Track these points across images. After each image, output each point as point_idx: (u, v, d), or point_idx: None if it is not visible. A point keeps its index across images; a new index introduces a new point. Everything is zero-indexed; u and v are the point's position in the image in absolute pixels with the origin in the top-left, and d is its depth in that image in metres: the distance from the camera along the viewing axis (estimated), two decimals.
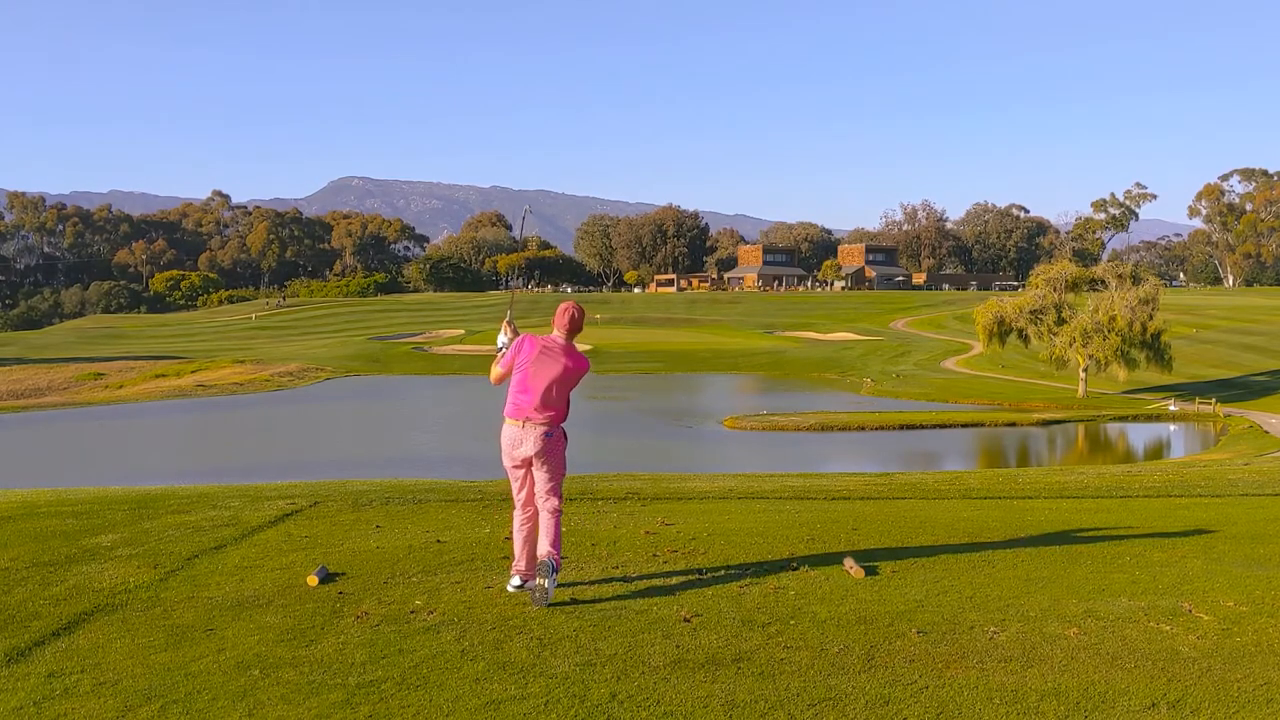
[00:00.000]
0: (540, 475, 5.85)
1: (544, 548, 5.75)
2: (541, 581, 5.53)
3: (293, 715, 3.98)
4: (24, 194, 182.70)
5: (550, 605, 5.50)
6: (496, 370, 6.01)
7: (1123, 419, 47.76)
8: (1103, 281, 57.51)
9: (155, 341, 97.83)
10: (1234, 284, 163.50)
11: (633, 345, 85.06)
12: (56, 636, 4.97)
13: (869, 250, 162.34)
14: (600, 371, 68.89)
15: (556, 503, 5.86)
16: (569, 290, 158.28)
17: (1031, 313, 56.86)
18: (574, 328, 5.88)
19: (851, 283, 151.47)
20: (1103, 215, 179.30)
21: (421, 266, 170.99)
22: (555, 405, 5.82)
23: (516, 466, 5.88)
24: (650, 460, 30.80)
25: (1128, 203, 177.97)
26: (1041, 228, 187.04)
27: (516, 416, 5.82)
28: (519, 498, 5.96)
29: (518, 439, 5.81)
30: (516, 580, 5.83)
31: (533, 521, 5.91)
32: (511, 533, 6.06)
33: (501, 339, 6.15)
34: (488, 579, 6.07)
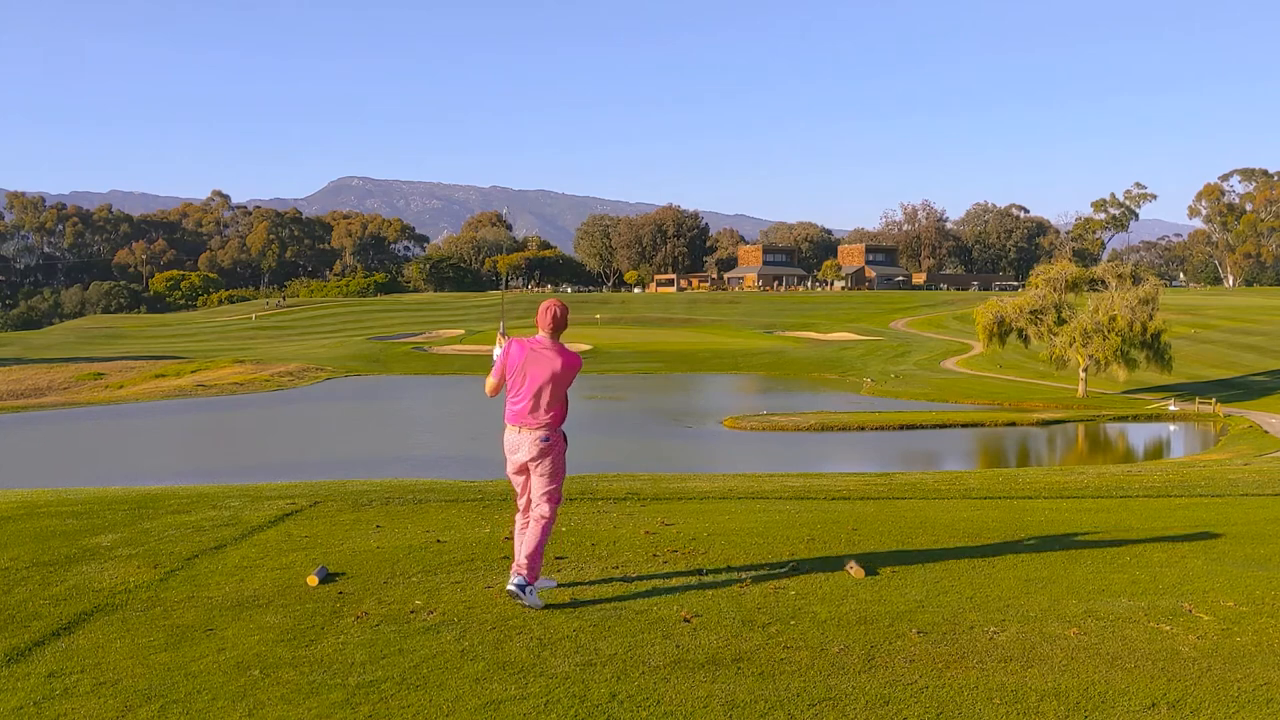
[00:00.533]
0: (538, 480, 5.76)
1: (519, 557, 5.61)
2: (519, 602, 5.43)
3: (293, 715, 3.98)
4: (24, 194, 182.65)
5: (550, 605, 5.50)
6: (490, 381, 5.87)
7: (1123, 419, 47.76)
8: (1103, 281, 57.52)
9: (155, 341, 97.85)
10: (1234, 284, 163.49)
11: (633, 345, 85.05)
12: (56, 636, 4.97)
13: (869, 250, 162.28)
14: (600, 371, 68.87)
15: (548, 510, 5.74)
16: (569, 290, 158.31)
17: (1031, 313, 56.87)
18: (557, 325, 5.77)
19: (851, 283, 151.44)
20: (1103, 215, 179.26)
21: (421, 266, 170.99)
22: (551, 408, 5.71)
23: (517, 472, 5.83)
24: (650, 460, 30.82)
25: (1128, 203, 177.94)
26: (1041, 228, 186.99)
27: (513, 423, 5.75)
28: (520, 502, 5.92)
29: (515, 445, 5.75)
30: (519, 580, 5.78)
31: None
32: (512, 533, 6.04)
33: (497, 350, 6.03)
34: (488, 579, 6.07)
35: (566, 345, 5.85)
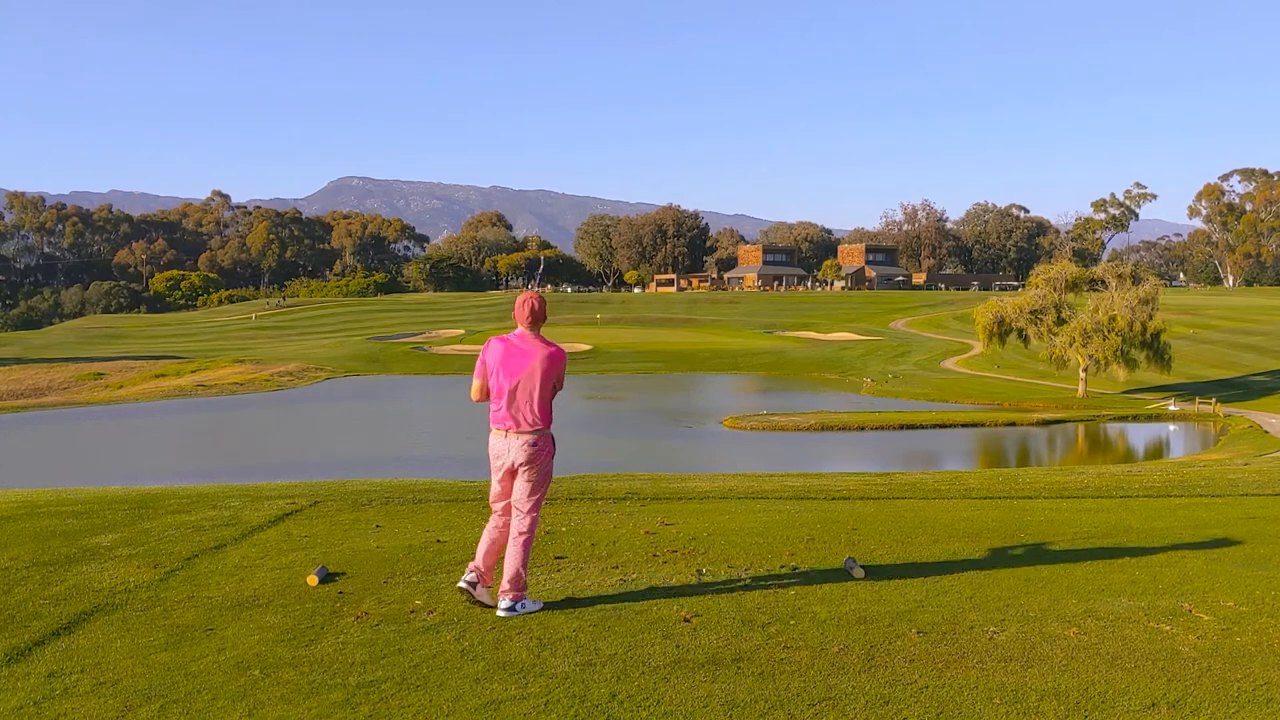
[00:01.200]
0: (523, 486, 5.50)
1: (508, 571, 5.39)
2: (502, 615, 5.30)
3: (293, 715, 3.98)
4: (24, 194, 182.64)
5: (550, 605, 5.50)
6: (475, 384, 5.61)
7: (1123, 419, 47.77)
8: (1103, 281, 57.54)
9: (155, 341, 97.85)
10: (1234, 284, 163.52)
11: (633, 345, 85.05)
12: (56, 636, 4.97)
13: (869, 250, 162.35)
14: (600, 371, 68.89)
15: (528, 524, 5.49)
16: (569, 290, 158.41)
17: (1031, 313, 56.88)
18: (536, 318, 5.53)
19: (851, 283, 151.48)
20: (1103, 215, 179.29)
21: (421, 266, 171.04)
22: (536, 407, 5.45)
23: (500, 479, 5.59)
24: (650, 460, 30.81)
25: (1128, 203, 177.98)
26: (1041, 228, 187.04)
27: (499, 426, 5.50)
28: (497, 507, 5.65)
29: (502, 449, 5.51)
30: (471, 577, 5.46)
31: (507, 530, 5.60)
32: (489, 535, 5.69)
33: None
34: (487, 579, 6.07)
35: (546, 338, 5.62)
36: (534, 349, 5.49)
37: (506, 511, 5.62)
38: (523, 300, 5.57)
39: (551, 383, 5.53)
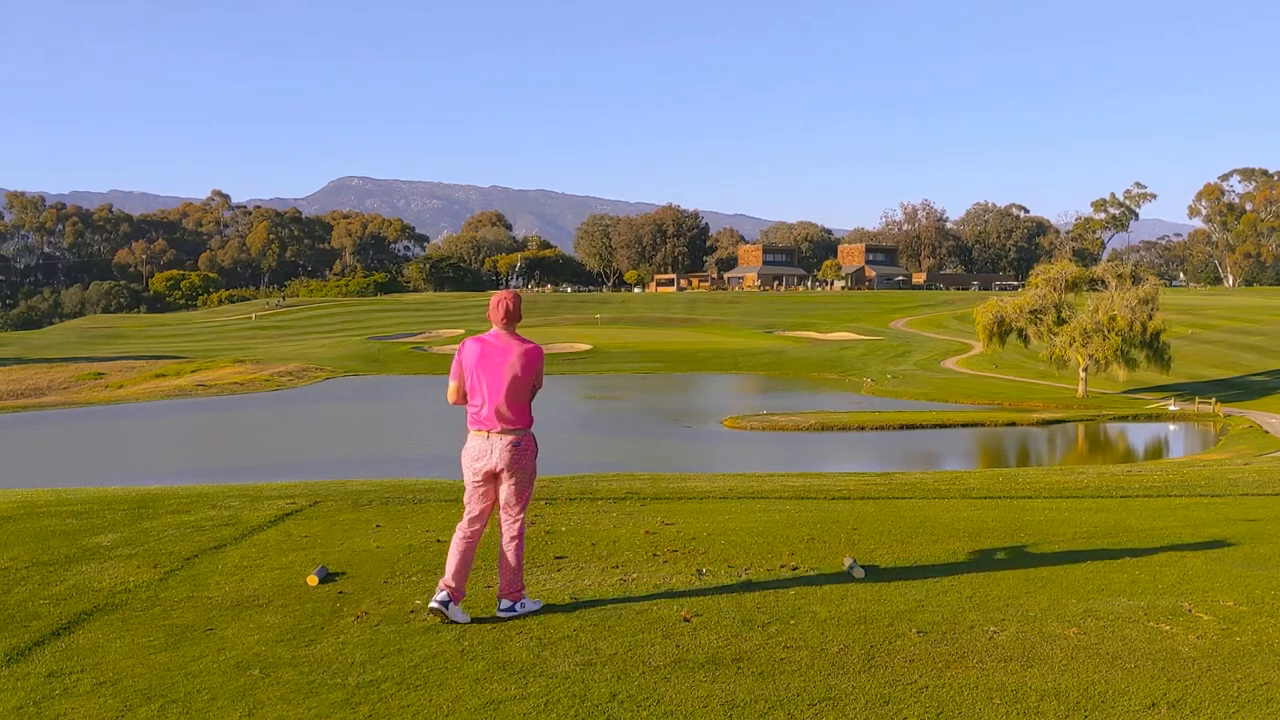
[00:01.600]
0: (510, 490, 5.36)
1: (506, 574, 5.35)
2: (502, 615, 5.30)
3: (293, 715, 3.98)
4: (24, 194, 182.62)
5: (550, 605, 5.50)
6: (451, 385, 5.45)
7: (1123, 419, 47.78)
8: (1102, 281, 57.55)
9: (155, 341, 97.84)
10: (1234, 284, 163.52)
11: (632, 345, 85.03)
12: (56, 636, 4.97)
13: (869, 250, 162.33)
14: (600, 371, 68.92)
15: (519, 527, 5.39)
16: (569, 290, 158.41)
17: (1031, 313, 56.89)
18: (510, 317, 5.41)
19: (851, 283, 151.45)
20: (1103, 215, 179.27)
21: (421, 266, 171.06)
22: (516, 407, 5.30)
23: (482, 481, 5.37)
24: (650, 460, 30.81)
25: (1128, 202, 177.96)
26: (1041, 227, 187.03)
27: (479, 427, 5.33)
28: (471, 511, 5.41)
29: (482, 451, 5.31)
30: (443, 596, 5.16)
31: (477, 538, 5.40)
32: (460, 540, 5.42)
33: None
34: (487, 579, 6.07)
35: (521, 335, 5.50)
36: (510, 347, 5.36)
37: (479, 518, 5.41)
38: (497, 300, 5.47)
39: (530, 380, 5.38)
